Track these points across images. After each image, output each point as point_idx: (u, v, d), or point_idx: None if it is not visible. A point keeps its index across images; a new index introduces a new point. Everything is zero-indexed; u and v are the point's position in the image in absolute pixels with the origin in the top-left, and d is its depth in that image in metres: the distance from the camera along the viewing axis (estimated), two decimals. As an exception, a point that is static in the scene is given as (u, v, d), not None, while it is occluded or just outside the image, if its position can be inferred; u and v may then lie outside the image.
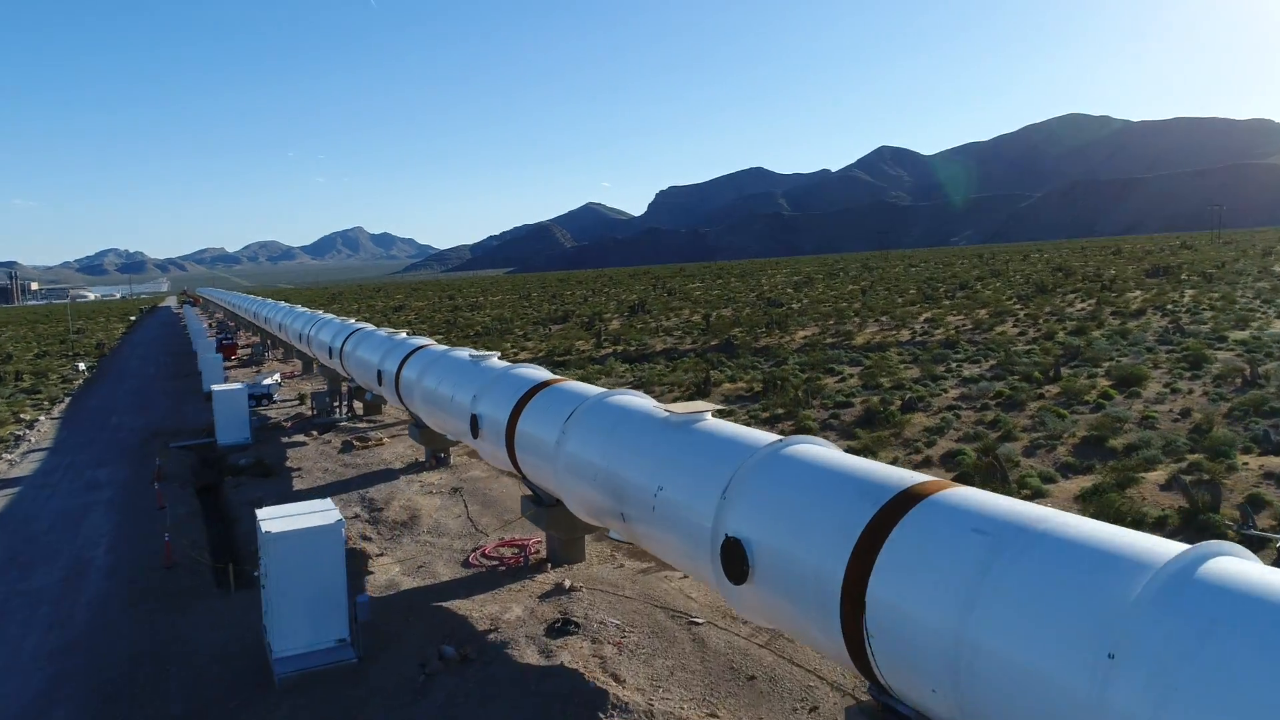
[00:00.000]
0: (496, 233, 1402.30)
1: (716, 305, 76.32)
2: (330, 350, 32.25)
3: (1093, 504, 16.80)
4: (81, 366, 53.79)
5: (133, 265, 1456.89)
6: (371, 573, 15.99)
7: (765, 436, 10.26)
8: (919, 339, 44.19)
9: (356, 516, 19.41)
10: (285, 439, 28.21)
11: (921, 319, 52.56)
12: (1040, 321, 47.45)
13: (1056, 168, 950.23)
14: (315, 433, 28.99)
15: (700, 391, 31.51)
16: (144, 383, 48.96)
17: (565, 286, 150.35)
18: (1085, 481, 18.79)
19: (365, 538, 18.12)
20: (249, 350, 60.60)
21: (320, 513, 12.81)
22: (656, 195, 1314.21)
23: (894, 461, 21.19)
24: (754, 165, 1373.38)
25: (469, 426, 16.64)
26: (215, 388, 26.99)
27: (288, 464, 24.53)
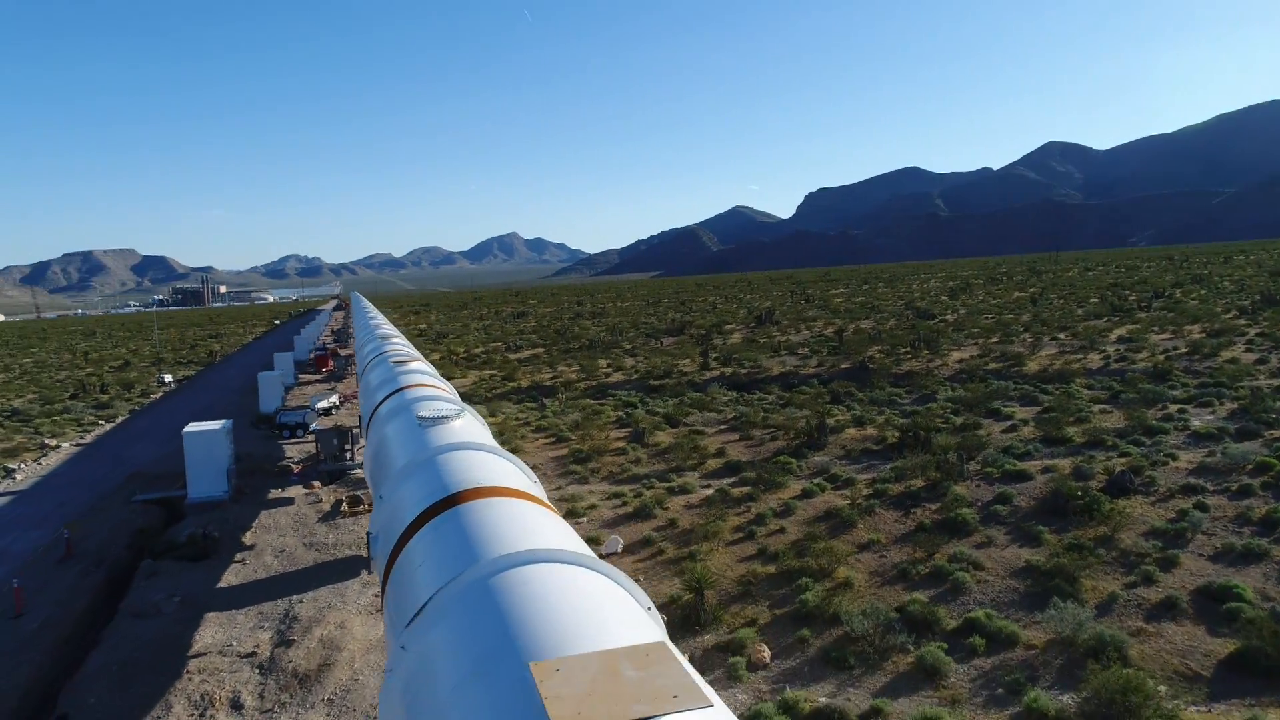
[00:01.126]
0: (644, 237, 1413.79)
1: (857, 315, 67.13)
2: (359, 376, 26.62)
3: None
4: (168, 379, 51.20)
5: (310, 270, 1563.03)
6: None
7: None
8: (1114, 366, 34.24)
9: (254, 653, 12.97)
10: (277, 491, 22.51)
11: (1113, 337, 42.07)
12: (1282, 344, 36.33)
13: (1251, 161, 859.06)
14: (318, 483, 23.20)
15: (813, 441, 23.62)
16: (221, 397, 45.41)
17: (699, 292, 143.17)
18: None
19: (234, 704, 11.61)
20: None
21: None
22: (805, 197, 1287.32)
23: (1110, 603, 12.88)
24: (909, 165, 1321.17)
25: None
26: (189, 428, 21.54)
27: (245, 537, 18.61)
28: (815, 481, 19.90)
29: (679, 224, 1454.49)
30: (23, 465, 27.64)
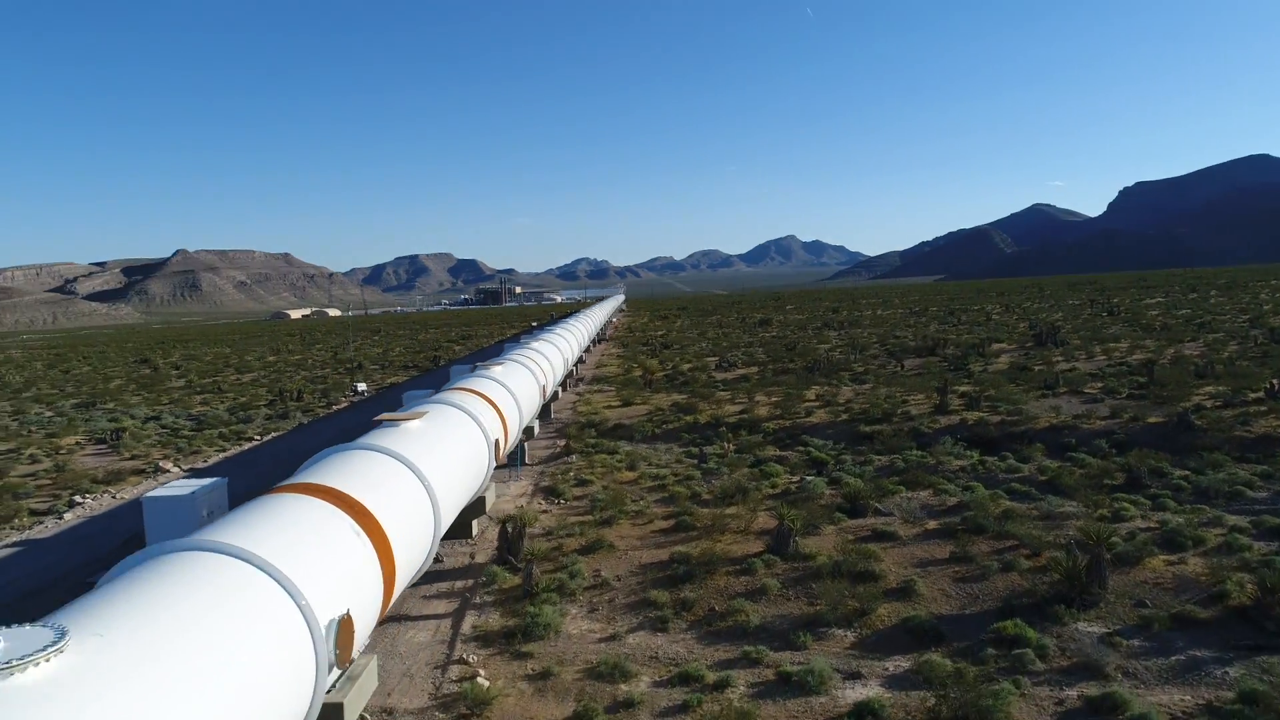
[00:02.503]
0: (929, 238, 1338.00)
1: (1178, 336, 51.37)
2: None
3: None
4: (361, 387, 48.97)
5: (598, 272, 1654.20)
6: None
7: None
8: None
9: None
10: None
11: None
12: None
13: None
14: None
15: (1078, 588, 13.20)
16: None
17: (978, 299, 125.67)
18: None
19: None
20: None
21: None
22: (1119, 193, 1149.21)
23: None
24: (1254, 152, 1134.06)
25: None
26: (149, 494, 15.98)
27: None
28: (1073, 704, 9.98)
29: (968, 224, 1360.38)
30: (89, 500, 24.16)
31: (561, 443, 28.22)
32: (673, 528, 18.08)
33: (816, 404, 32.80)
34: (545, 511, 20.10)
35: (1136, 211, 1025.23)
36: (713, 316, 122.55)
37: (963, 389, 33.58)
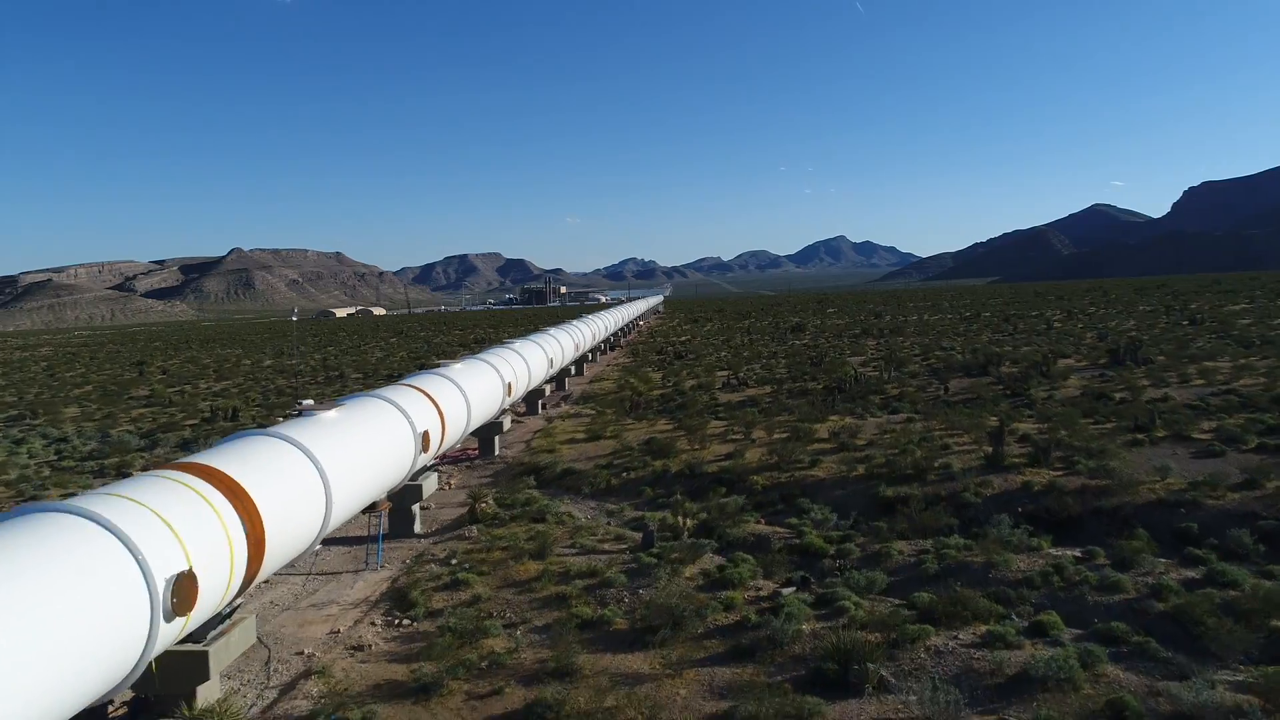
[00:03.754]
0: (983, 239, 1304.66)
1: (1290, 352, 42.24)
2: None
3: None
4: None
5: (645, 272, 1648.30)
6: None
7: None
8: None
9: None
10: None
11: None
12: None
13: None
14: None
15: None
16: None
17: (1037, 302, 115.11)
18: None
19: None
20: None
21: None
22: (1184, 193, 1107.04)
23: None
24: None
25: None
26: None
27: None
28: None
29: (1024, 225, 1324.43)
30: None
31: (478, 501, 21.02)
32: (527, 707, 10.64)
33: (828, 446, 25.03)
34: (362, 650, 12.85)
35: (1204, 212, 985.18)
36: (746, 320, 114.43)
37: (1024, 427, 25.53)
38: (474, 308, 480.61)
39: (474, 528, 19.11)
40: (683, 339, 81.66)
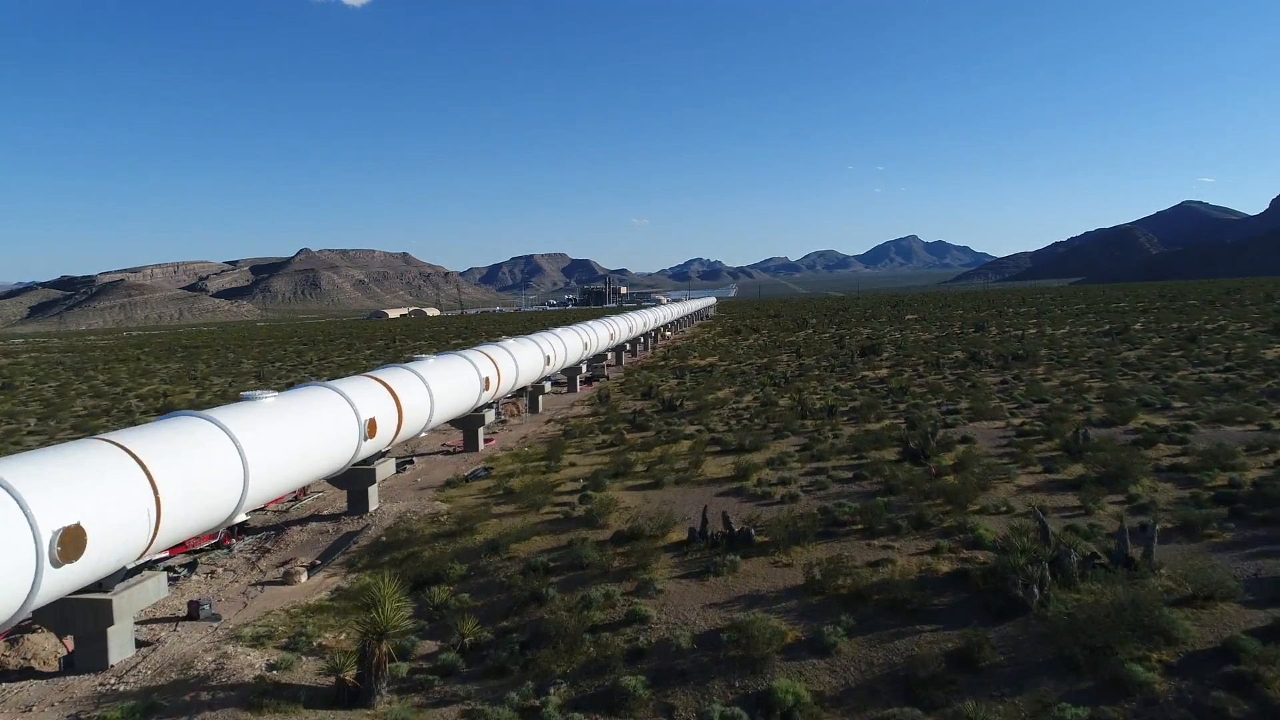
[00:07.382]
0: (1064, 238, 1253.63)
1: None
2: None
3: None
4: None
5: (710, 273, 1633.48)
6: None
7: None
8: None
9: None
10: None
11: None
12: None
13: None
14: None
15: None
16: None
17: (1123, 304, 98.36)
18: None
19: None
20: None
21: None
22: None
23: None
24: None
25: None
26: None
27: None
28: None
29: (1108, 223, 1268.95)
30: None
31: None
32: None
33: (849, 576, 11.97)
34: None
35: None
36: (802, 331, 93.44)
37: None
38: (530, 308, 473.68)
39: None
40: (702, 364, 60.44)
